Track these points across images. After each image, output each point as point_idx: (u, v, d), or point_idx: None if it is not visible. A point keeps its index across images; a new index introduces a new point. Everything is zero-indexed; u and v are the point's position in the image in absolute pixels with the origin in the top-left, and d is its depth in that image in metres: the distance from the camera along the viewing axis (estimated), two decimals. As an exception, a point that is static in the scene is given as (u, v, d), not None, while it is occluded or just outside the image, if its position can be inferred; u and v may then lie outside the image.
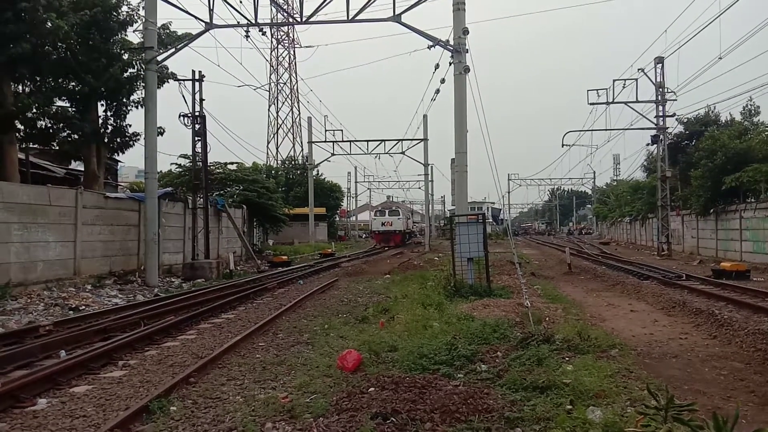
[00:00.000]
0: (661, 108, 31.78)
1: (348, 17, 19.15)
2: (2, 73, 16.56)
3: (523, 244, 54.17)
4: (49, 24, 16.37)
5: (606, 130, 36.20)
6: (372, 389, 6.24)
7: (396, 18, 18.55)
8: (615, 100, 31.47)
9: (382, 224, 51.11)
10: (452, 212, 23.59)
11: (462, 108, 17.09)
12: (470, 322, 9.78)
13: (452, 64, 17.57)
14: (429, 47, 18.48)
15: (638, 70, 31.07)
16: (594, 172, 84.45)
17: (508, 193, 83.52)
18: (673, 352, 8.69)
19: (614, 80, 31.15)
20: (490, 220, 64.86)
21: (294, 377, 7.25)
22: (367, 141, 46.35)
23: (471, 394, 5.98)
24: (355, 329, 10.55)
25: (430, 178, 52.02)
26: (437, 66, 22.33)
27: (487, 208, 77.14)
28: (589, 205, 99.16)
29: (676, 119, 34.98)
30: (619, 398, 5.90)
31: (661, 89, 31.48)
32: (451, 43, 17.43)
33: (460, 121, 17.20)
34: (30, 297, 14.96)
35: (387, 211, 53.32)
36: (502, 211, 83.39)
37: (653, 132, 32.67)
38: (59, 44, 17.93)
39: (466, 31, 17.02)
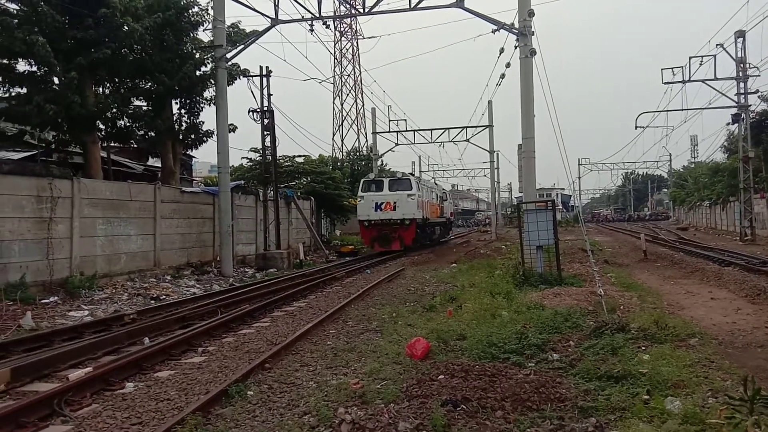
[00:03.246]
0: (742, 85, 29.94)
1: (410, 5, 19.05)
2: (85, 76, 17.49)
3: (594, 231, 52.59)
4: (126, 27, 17.16)
5: (682, 110, 34.54)
6: (441, 377, 6.27)
7: (459, 4, 18.31)
8: (691, 79, 29.94)
9: (377, 207, 28.15)
10: (519, 199, 22.95)
11: (528, 92, 16.73)
12: (540, 311, 9.64)
13: (517, 48, 17.17)
14: (493, 31, 18.16)
15: (716, 45, 29.40)
16: (670, 155, 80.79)
17: (579, 178, 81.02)
18: (758, 341, 8.23)
19: (690, 57, 29.57)
20: (560, 207, 63.36)
21: (364, 364, 7.38)
22: (431, 130, 45.94)
23: (543, 383, 5.91)
24: (422, 318, 10.60)
25: (495, 165, 51.20)
26: (502, 50, 21.88)
27: (557, 194, 75.41)
28: (665, 190, 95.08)
29: (759, 96, 33.01)
30: (699, 389, 5.68)
31: (742, 65, 29.64)
32: (516, 26, 17.06)
33: (526, 106, 16.84)
34: (114, 287, 15.86)
35: (386, 183, 29.03)
36: (572, 197, 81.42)
37: (734, 111, 30.85)
38: (135, 46, 18.73)
39: (531, 13, 16.60)
